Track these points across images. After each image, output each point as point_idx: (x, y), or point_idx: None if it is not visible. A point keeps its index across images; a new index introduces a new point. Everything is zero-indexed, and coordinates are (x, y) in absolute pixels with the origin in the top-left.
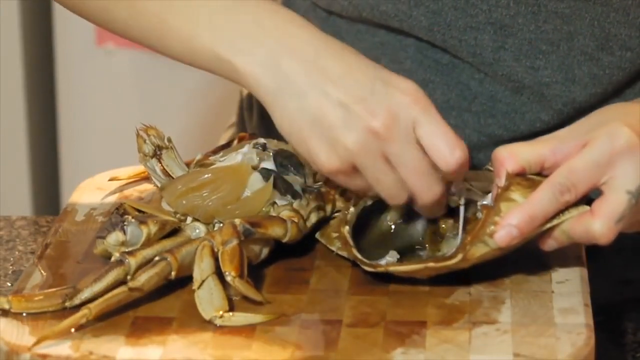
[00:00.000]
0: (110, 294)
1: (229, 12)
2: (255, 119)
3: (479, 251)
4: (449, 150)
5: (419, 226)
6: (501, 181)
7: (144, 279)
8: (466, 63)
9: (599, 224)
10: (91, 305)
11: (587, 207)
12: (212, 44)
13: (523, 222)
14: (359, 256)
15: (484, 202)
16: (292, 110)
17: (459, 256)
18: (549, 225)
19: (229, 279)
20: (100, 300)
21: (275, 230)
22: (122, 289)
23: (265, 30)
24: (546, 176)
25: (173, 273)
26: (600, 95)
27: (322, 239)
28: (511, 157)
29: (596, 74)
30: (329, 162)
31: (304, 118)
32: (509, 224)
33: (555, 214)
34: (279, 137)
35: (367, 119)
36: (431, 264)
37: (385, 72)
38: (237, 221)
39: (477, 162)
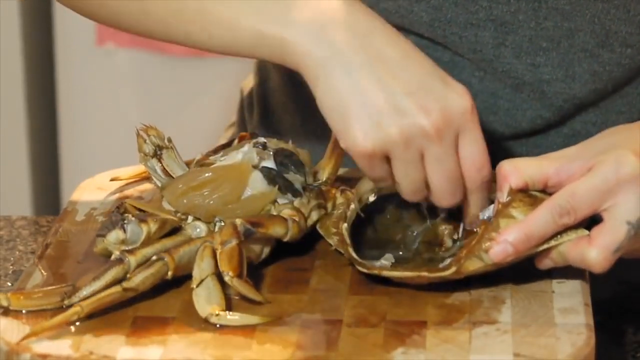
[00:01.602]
0: (104, 294)
1: None
2: (256, 119)
3: (473, 265)
4: (478, 167)
5: (417, 228)
6: (503, 195)
7: (139, 279)
8: (467, 60)
9: (595, 253)
10: (83, 303)
11: (586, 232)
12: (257, 23)
13: (519, 239)
14: (354, 256)
15: (484, 217)
16: (340, 84)
17: (453, 269)
18: (545, 246)
19: (227, 279)
20: (93, 299)
21: (276, 230)
22: (116, 288)
23: (315, 7)
24: (549, 194)
25: (170, 273)
26: (600, 92)
27: (321, 230)
28: (515, 172)
29: (596, 71)
30: (364, 143)
31: (352, 95)
32: (505, 240)
33: (553, 235)
34: (279, 136)
35: (419, 115)
36: (424, 273)
37: (442, 71)
38: (238, 221)
39: None
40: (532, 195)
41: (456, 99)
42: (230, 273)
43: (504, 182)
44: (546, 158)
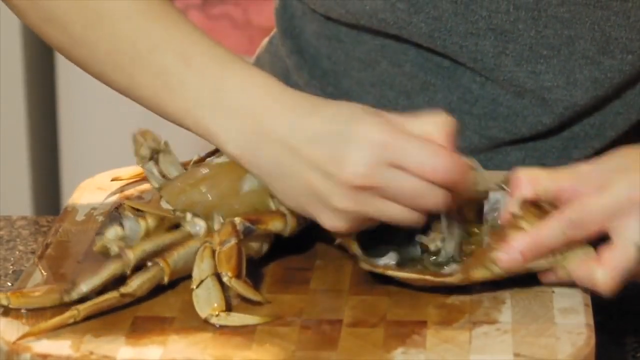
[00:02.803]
0: (101, 298)
1: (213, 96)
2: None
3: (479, 274)
4: (436, 162)
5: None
6: (514, 204)
7: (136, 284)
8: (467, 67)
9: (602, 273)
10: (80, 307)
11: (592, 249)
12: (200, 125)
13: (527, 248)
14: (360, 252)
15: (494, 203)
16: (285, 188)
17: (459, 276)
18: (551, 260)
19: (225, 279)
20: (90, 303)
21: (276, 225)
22: (113, 294)
23: (243, 116)
24: (555, 207)
25: (165, 278)
26: (601, 98)
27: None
28: (531, 182)
29: (597, 78)
30: (337, 226)
31: (298, 193)
32: (513, 248)
33: (560, 250)
34: None
35: (346, 177)
36: (429, 277)
37: (345, 117)
38: (237, 220)
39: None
40: (541, 207)
41: (363, 144)
42: (229, 273)
43: (517, 190)
44: (561, 173)
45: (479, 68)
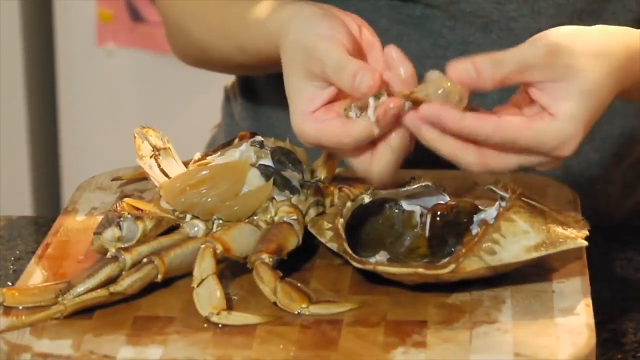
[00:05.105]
0: (89, 296)
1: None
2: (240, 102)
3: (471, 265)
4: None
5: (409, 235)
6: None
7: (127, 283)
8: (437, 12)
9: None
10: (67, 302)
11: (585, 242)
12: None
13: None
14: (349, 251)
15: (483, 217)
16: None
17: (451, 267)
18: (544, 253)
19: (305, 311)
20: (78, 300)
21: (292, 241)
22: (102, 292)
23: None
24: (547, 206)
25: (160, 276)
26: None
27: (313, 229)
28: (494, 68)
29: (560, 4)
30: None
31: None
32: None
33: (552, 245)
34: (264, 116)
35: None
36: (421, 270)
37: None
38: (266, 258)
39: None
40: (530, 204)
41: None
42: (304, 305)
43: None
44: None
45: (447, 3)
